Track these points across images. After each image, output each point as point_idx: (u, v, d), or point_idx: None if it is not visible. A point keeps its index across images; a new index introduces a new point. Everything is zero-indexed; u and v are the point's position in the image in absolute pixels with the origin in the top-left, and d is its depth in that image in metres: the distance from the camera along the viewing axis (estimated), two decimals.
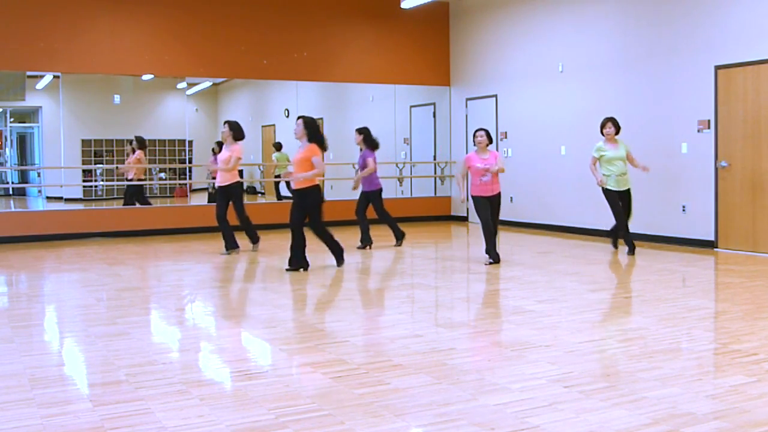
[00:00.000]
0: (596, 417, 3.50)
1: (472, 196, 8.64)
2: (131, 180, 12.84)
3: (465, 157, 8.71)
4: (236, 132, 9.61)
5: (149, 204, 12.78)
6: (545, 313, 5.84)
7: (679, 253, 9.33)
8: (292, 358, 4.74)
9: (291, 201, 8.44)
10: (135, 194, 12.71)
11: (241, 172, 17.10)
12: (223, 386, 4.19)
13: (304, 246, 8.16)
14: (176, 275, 8.43)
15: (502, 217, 13.14)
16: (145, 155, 13.03)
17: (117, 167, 13.58)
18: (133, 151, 12.98)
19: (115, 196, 14.57)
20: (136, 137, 12.97)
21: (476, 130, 8.66)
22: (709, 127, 9.57)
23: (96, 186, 14.33)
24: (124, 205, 12.67)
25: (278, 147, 15.46)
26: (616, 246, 9.53)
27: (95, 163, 14.01)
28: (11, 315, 6.12)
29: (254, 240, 9.87)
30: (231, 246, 9.59)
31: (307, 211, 8.05)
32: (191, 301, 6.91)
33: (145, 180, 13.17)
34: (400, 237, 10.14)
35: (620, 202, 9.21)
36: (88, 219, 11.93)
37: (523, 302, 6.32)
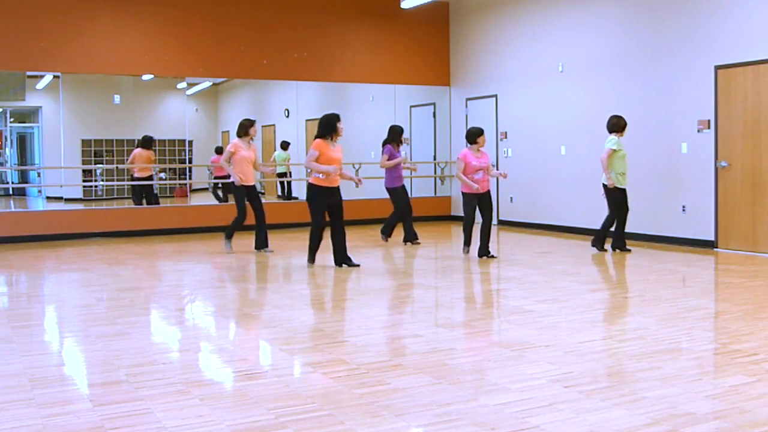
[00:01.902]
0: (596, 417, 3.50)
1: (462, 193, 8.99)
2: (140, 179, 13.04)
3: (461, 154, 8.90)
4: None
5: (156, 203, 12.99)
6: (545, 313, 5.84)
7: (679, 253, 9.33)
8: (292, 358, 4.74)
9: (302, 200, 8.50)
10: (142, 193, 13.01)
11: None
12: (223, 386, 4.19)
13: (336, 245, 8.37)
14: (176, 275, 8.43)
15: (502, 217, 13.23)
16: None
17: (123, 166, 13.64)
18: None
19: (115, 196, 14.58)
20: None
21: (481, 131, 8.94)
22: (709, 127, 9.57)
23: (96, 186, 14.33)
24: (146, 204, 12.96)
25: (284, 146, 15.43)
26: (605, 247, 9.41)
27: (95, 163, 14.01)
28: (11, 315, 6.12)
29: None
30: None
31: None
32: (191, 301, 6.91)
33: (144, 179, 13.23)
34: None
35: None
36: (88, 219, 11.93)
37: (523, 302, 6.32)
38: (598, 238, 9.37)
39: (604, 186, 9.22)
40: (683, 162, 9.93)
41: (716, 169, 9.50)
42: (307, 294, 7.15)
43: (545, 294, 6.70)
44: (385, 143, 10.47)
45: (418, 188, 14.81)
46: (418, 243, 10.41)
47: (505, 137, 13.08)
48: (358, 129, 14.65)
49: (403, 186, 10.51)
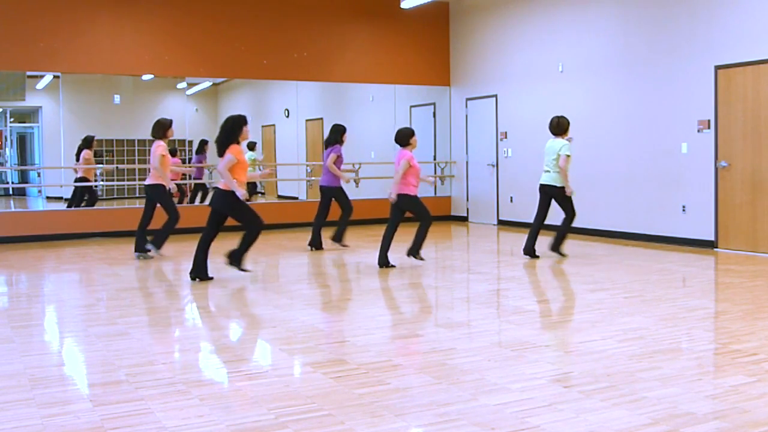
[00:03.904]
0: (596, 417, 3.50)
1: (417, 197, 8.42)
2: (82, 179, 12.61)
3: (409, 155, 8.28)
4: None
5: (92, 205, 12.60)
6: (545, 313, 5.84)
7: (679, 253, 9.33)
8: (292, 358, 4.74)
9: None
10: (84, 194, 12.58)
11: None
12: (223, 386, 4.19)
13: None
14: (176, 275, 8.43)
15: (502, 217, 13.24)
16: (94, 154, 12.92)
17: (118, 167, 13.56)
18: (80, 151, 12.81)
19: (116, 196, 14.59)
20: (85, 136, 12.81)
21: (413, 131, 8.48)
22: (709, 127, 9.57)
23: (96, 186, 14.32)
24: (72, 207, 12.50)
25: (250, 147, 15.32)
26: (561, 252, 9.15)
27: (95, 163, 13.99)
28: (11, 315, 6.12)
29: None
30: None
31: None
32: (191, 301, 6.91)
33: (93, 180, 12.87)
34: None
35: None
36: (88, 219, 11.93)
37: (523, 302, 6.32)
38: (558, 244, 9.04)
39: (560, 189, 8.88)
40: (683, 162, 9.93)
41: (716, 169, 9.50)
42: (307, 294, 7.15)
43: (545, 294, 6.70)
44: (332, 143, 9.89)
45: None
46: (322, 249, 9.93)
47: (505, 137, 13.08)
48: (358, 129, 14.64)
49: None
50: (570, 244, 10.36)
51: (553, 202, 8.98)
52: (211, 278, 7.71)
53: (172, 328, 5.85)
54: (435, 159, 14.72)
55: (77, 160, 12.68)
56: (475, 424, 3.42)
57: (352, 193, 13.20)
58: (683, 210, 9.97)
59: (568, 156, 8.76)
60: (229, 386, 4.17)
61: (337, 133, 9.95)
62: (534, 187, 12.42)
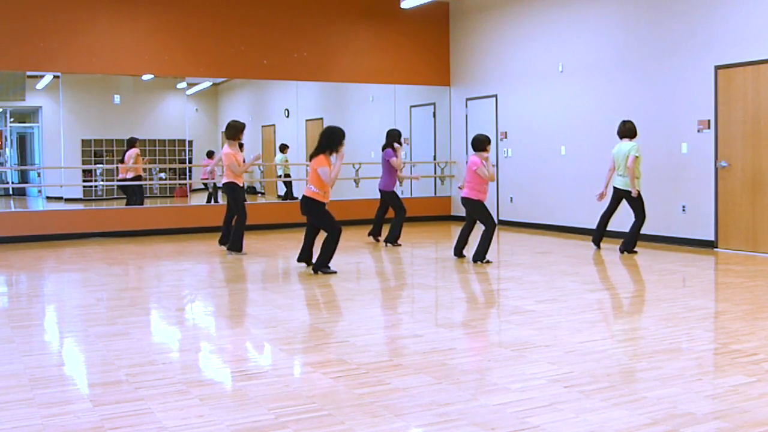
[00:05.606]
0: (596, 417, 3.50)
1: (481, 202, 8.59)
2: (132, 179, 13.16)
3: (479, 163, 8.51)
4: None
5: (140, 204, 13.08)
6: (545, 313, 5.84)
7: (679, 253, 9.33)
8: (292, 358, 4.74)
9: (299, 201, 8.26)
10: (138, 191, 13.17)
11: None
12: (223, 386, 4.19)
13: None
14: (176, 275, 8.43)
15: (502, 217, 13.24)
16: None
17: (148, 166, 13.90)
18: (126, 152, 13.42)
19: (115, 196, 14.60)
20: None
21: (489, 138, 8.71)
22: (709, 127, 9.57)
23: (96, 186, 14.34)
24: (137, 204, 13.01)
25: (282, 149, 15.45)
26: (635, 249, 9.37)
27: (95, 163, 14.02)
28: (11, 315, 6.12)
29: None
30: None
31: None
32: (191, 301, 6.91)
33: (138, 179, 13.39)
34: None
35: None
36: (88, 219, 11.93)
37: (523, 302, 6.32)
38: (630, 244, 9.21)
39: (627, 191, 9.09)
40: (683, 162, 9.93)
41: (716, 169, 9.50)
42: (307, 294, 7.15)
43: (545, 294, 6.70)
44: (385, 148, 10.50)
45: (418, 188, 14.82)
46: (400, 245, 10.28)
47: (505, 137, 13.08)
48: (358, 129, 14.65)
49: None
50: (570, 244, 10.37)
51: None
52: (335, 272, 7.96)
53: (171, 328, 5.85)
54: (435, 159, 14.72)
55: (122, 162, 13.30)
56: (475, 424, 3.42)
57: (351, 193, 13.19)
58: (683, 210, 9.97)
59: (637, 157, 8.97)
60: (229, 386, 4.18)
61: (393, 138, 10.53)
62: (533, 186, 12.47)
